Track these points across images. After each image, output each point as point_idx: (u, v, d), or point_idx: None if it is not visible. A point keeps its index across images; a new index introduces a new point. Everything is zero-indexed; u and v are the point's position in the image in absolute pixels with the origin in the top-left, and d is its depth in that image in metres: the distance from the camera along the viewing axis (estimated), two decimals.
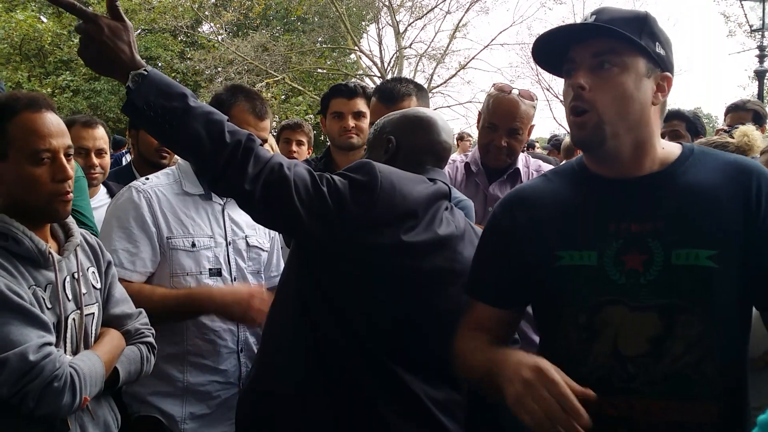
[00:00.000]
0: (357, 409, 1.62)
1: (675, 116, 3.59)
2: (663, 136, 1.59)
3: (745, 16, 11.88)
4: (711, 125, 33.06)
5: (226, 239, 2.27)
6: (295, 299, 1.70)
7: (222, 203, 2.30)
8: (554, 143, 8.00)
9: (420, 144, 1.85)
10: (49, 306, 1.63)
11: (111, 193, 2.99)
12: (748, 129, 2.68)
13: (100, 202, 2.94)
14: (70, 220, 1.81)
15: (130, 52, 1.50)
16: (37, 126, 1.63)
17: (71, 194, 1.69)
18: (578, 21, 1.56)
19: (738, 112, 3.55)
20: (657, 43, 1.44)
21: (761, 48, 11.59)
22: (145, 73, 1.48)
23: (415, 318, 1.66)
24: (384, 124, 1.92)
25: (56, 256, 1.69)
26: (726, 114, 3.80)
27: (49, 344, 1.55)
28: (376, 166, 1.62)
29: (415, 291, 1.66)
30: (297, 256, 1.74)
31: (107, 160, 2.98)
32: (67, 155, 1.68)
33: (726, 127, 3.56)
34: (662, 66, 1.46)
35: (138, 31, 20.98)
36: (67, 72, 19.25)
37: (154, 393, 2.14)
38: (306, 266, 1.68)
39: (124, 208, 2.16)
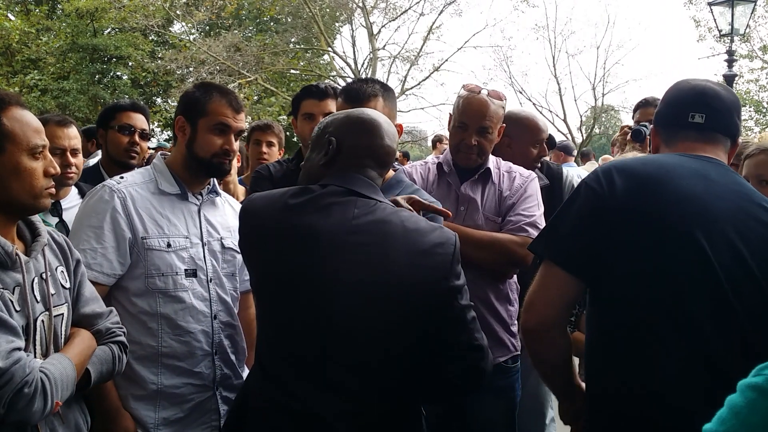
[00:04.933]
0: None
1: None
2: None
3: (715, 21, 12.06)
4: None
5: (201, 240, 2.25)
6: None
7: (198, 203, 2.29)
8: None
9: (361, 146, 1.84)
10: (18, 309, 1.61)
11: (82, 194, 2.95)
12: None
13: (71, 202, 2.90)
14: (37, 219, 1.79)
15: None
16: (31, 120, 1.69)
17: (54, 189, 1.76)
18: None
19: (647, 108, 3.51)
20: None
21: (730, 53, 11.80)
22: None
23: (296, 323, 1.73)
24: (327, 123, 1.90)
25: (23, 258, 1.66)
26: (635, 110, 3.75)
27: (19, 349, 1.53)
28: (247, 199, 1.88)
29: (283, 297, 1.74)
30: None
31: (81, 159, 2.95)
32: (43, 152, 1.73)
33: (631, 125, 3.53)
34: None
35: (108, 30, 20.73)
36: (35, 71, 18.92)
37: (126, 396, 2.12)
38: None
39: (95, 207, 2.14)
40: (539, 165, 3.27)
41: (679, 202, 1.65)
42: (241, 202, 2.16)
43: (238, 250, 2.34)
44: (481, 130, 2.63)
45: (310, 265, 1.69)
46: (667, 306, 1.61)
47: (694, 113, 1.82)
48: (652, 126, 2.00)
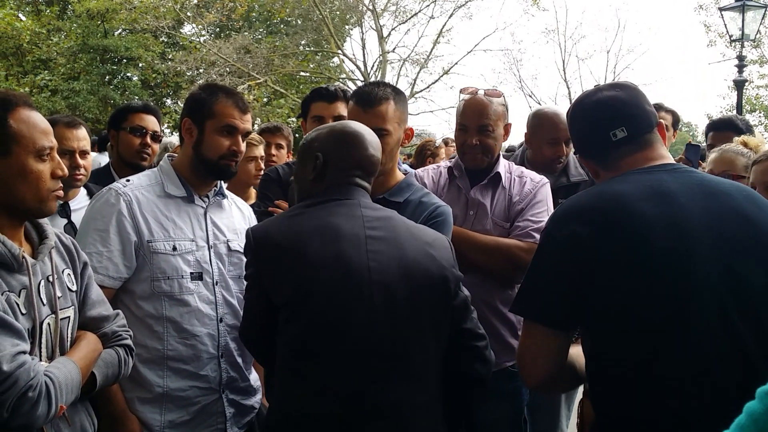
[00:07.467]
0: None
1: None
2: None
3: (725, 26, 12.01)
4: (691, 133, 33.51)
5: (207, 242, 2.25)
6: None
7: (204, 206, 2.29)
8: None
9: (348, 159, 1.91)
10: (24, 312, 1.60)
11: (91, 195, 2.94)
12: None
13: (80, 203, 2.89)
14: (45, 221, 1.78)
15: None
16: (39, 121, 1.66)
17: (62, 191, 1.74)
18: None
19: (659, 113, 3.63)
20: None
21: (740, 58, 11.72)
22: None
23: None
24: (312, 138, 1.96)
25: (30, 260, 1.65)
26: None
27: (24, 353, 1.52)
28: (249, 230, 1.89)
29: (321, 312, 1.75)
30: None
31: (90, 160, 2.95)
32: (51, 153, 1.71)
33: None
34: None
35: (119, 31, 20.82)
36: (46, 71, 19.02)
37: (132, 399, 2.12)
38: None
39: (101, 211, 2.14)
40: (560, 164, 3.13)
41: (647, 229, 1.58)
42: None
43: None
44: (482, 129, 2.65)
45: (343, 259, 1.75)
46: (664, 334, 1.55)
47: (614, 130, 1.74)
48: (578, 157, 1.93)
